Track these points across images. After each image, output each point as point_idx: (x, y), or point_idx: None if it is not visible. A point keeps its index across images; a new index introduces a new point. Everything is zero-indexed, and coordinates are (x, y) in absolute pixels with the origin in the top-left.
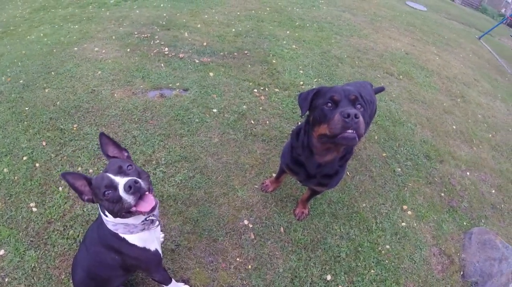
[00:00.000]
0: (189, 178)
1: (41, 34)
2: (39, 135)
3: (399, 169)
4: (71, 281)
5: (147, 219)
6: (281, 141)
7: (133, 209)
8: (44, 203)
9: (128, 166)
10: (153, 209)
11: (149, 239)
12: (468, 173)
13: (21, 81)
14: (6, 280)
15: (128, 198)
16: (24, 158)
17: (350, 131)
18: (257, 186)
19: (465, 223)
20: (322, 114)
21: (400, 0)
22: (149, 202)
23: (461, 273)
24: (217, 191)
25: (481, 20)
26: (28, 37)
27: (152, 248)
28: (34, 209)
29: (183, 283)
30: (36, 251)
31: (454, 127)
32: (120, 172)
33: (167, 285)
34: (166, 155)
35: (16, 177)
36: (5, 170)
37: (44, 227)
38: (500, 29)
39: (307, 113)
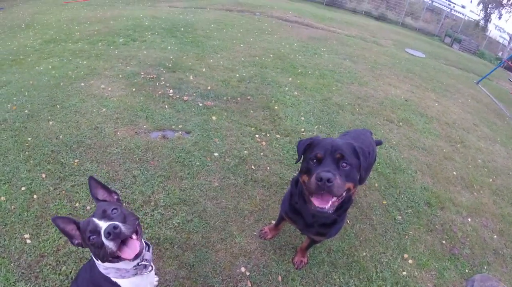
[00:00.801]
0: (187, 222)
1: (50, 66)
2: (39, 166)
3: (400, 217)
4: None
5: (140, 264)
6: (281, 188)
7: (118, 254)
8: (38, 235)
9: (113, 209)
10: (137, 256)
11: (142, 284)
12: (469, 219)
13: (26, 111)
14: None
15: (109, 244)
16: (23, 188)
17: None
18: (255, 233)
19: (467, 271)
20: (307, 168)
21: (400, 47)
22: (133, 248)
23: None
24: (215, 236)
25: (479, 65)
26: (37, 67)
27: None
28: (28, 241)
29: None
30: (26, 284)
31: (455, 173)
32: (104, 216)
33: None
34: (165, 197)
35: (12, 207)
36: (2, 198)
37: (36, 260)
38: (497, 72)
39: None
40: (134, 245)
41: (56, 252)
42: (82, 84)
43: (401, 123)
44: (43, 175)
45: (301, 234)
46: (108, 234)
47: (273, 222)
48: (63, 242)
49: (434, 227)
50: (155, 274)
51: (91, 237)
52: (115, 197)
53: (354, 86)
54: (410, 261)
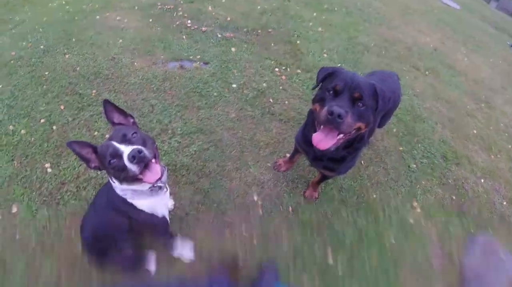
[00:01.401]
0: (203, 150)
1: (63, 2)
2: (57, 99)
3: (414, 165)
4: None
5: (155, 185)
6: (298, 123)
7: (139, 177)
8: (59, 164)
9: (133, 133)
10: (158, 179)
11: (157, 205)
12: (482, 181)
13: (41, 47)
14: (17, 237)
15: (133, 167)
16: (42, 120)
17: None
18: (270, 165)
19: (472, 230)
20: (322, 97)
21: None
22: (154, 172)
23: (461, 277)
24: (230, 165)
25: None
26: (50, 4)
27: (160, 214)
28: (49, 170)
29: (189, 248)
30: (48, 210)
31: (475, 131)
32: (125, 140)
33: (172, 250)
34: (183, 125)
35: (33, 139)
36: (23, 131)
37: (57, 188)
38: None
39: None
40: (156, 169)
41: (76, 179)
42: (97, 17)
43: (427, 72)
44: (62, 107)
45: (314, 169)
46: (132, 158)
47: (288, 155)
48: (83, 169)
49: (446, 181)
50: (171, 198)
51: (111, 161)
52: (131, 120)
53: (382, 28)
54: (418, 210)
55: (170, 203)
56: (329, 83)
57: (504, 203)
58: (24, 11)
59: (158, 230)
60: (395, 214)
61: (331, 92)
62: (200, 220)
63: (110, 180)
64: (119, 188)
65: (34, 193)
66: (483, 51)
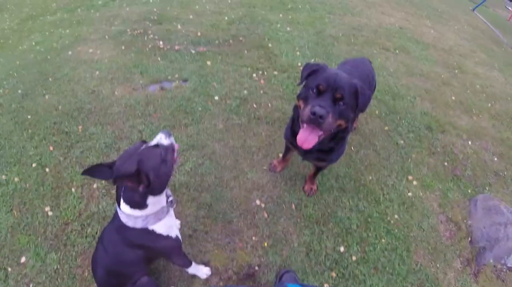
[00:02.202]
0: (198, 165)
1: (33, 43)
2: (45, 140)
3: (402, 142)
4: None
5: (168, 200)
6: (284, 122)
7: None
8: (58, 205)
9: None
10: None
11: (171, 226)
12: (469, 142)
13: (19, 91)
14: (31, 286)
15: (171, 141)
16: (34, 165)
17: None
18: (265, 167)
19: (469, 191)
20: (305, 95)
21: None
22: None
23: (469, 239)
24: (227, 175)
25: None
26: (20, 47)
27: (173, 235)
28: (50, 213)
29: (203, 265)
30: (56, 253)
31: (453, 98)
32: (144, 142)
33: (187, 268)
34: None
35: (27, 185)
36: (16, 179)
37: (62, 229)
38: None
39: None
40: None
41: (78, 217)
42: (70, 52)
43: (397, 51)
44: (51, 148)
45: (308, 163)
46: (168, 134)
47: (281, 155)
48: (84, 206)
49: (435, 150)
50: (176, 217)
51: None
52: None
53: (347, 17)
54: (414, 182)
55: (177, 222)
56: (313, 81)
57: (495, 159)
58: None
59: (173, 251)
60: (394, 191)
61: (315, 90)
62: (209, 233)
63: (129, 219)
64: (141, 217)
65: (39, 239)
66: (447, 20)
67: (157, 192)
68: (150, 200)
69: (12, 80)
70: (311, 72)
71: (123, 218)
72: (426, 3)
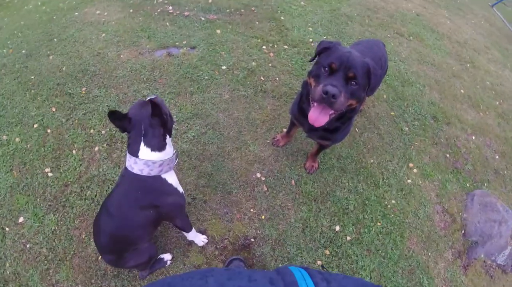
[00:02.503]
0: (201, 134)
1: (39, 3)
2: (48, 101)
3: (407, 128)
4: (92, 239)
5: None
6: (291, 97)
7: None
8: (59, 167)
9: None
10: None
11: (177, 181)
12: (473, 137)
13: (23, 51)
14: (28, 246)
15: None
16: (35, 125)
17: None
18: (268, 141)
19: (468, 185)
20: (317, 73)
21: None
22: None
23: (463, 231)
24: (230, 146)
25: None
26: (25, 7)
27: (181, 190)
28: (50, 174)
29: (202, 235)
30: (55, 214)
31: (462, 91)
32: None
33: (188, 232)
34: (178, 112)
35: (28, 145)
36: (17, 139)
37: (61, 191)
38: None
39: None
40: None
41: (78, 179)
42: (76, 13)
43: (411, 37)
44: (53, 109)
45: (311, 141)
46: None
47: (285, 130)
48: (84, 169)
49: (439, 141)
50: None
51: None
52: None
53: None
54: (415, 170)
55: None
56: (325, 59)
57: (497, 157)
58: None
59: (179, 209)
60: (393, 177)
61: (327, 69)
62: (207, 202)
63: (146, 165)
64: (158, 164)
65: (38, 200)
66: (465, 13)
67: (170, 132)
68: (167, 140)
69: (17, 40)
70: (323, 49)
71: (140, 166)
72: None
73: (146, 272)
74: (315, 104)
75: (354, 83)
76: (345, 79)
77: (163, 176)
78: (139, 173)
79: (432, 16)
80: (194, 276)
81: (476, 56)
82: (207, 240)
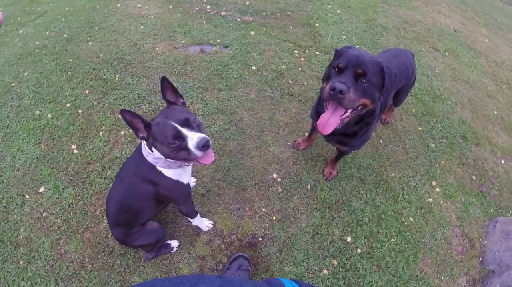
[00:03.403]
0: (224, 130)
1: None
2: (82, 84)
3: (433, 145)
4: (105, 217)
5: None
6: None
7: (198, 160)
8: (84, 145)
9: (193, 119)
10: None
11: (183, 174)
12: (503, 161)
13: (65, 35)
14: (44, 215)
15: (198, 153)
16: (68, 105)
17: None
18: (289, 143)
19: (492, 211)
20: (327, 75)
21: None
22: (210, 156)
23: (480, 259)
24: (250, 144)
25: None
26: None
27: (185, 182)
28: (75, 151)
29: (208, 219)
30: (74, 189)
31: (495, 112)
32: (187, 125)
33: (192, 218)
34: (204, 107)
35: (59, 122)
36: (49, 115)
37: (83, 168)
38: None
39: None
40: (211, 154)
41: (101, 159)
42: (118, 5)
43: (447, 53)
44: (87, 91)
45: (332, 147)
46: (202, 147)
47: (306, 134)
48: (108, 150)
49: (466, 161)
50: (193, 175)
51: (173, 141)
52: (181, 100)
53: (401, 9)
54: (437, 189)
55: (192, 180)
56: (335, 61)
57: None
58: (46, 2)
59: (181, 197)
60: (414, 193)
61: (335, 69)
62: (221, 196)
63: (144, 150)
64: (152, 156)
65: (60, 173)
66: (505, 33)
67: (165, 155)
68: (155, 151)
69: (60, 24)
70: (335, 53)
71: (145, 151)
72: (487, 11)
73: (152, 254)
74: (328, 106)
75: (364, 80)
76: (355, 76)
77: (159, 168)
78: (144, 154)
79: (470, 33)
80: (185, 282)
81: None
82: (212, 225)
